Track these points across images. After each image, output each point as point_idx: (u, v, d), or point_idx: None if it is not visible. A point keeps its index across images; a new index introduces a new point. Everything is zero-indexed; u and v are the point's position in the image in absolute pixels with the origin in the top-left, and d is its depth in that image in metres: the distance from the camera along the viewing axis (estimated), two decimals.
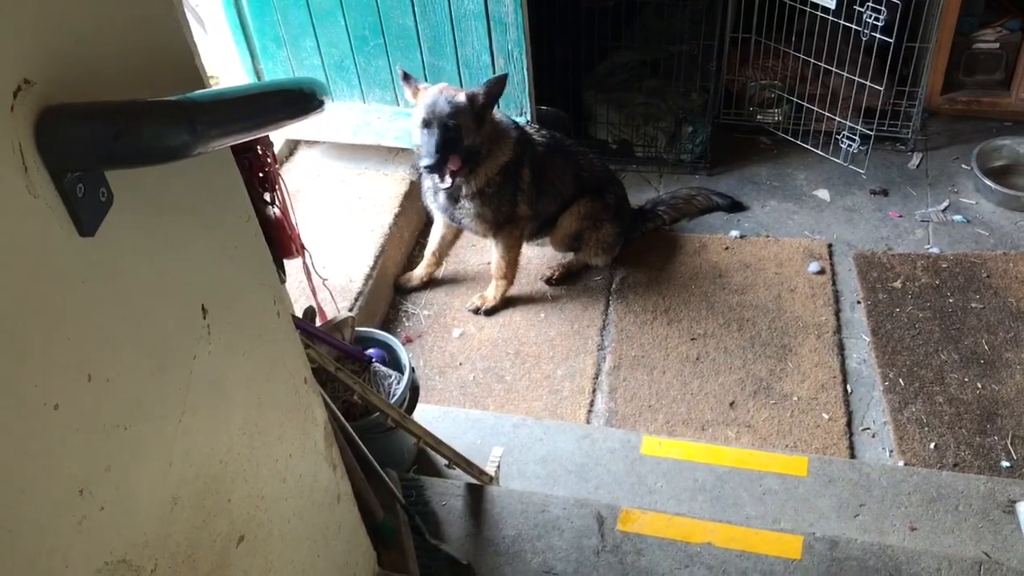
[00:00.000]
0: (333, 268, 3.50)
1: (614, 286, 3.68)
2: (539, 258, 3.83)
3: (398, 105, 3.75)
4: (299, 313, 2.64)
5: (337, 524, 1.82)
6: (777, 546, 2.35)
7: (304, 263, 2.68)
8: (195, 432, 1.22)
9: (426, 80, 3.64)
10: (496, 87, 3.17)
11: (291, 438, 1.58)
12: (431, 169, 3.19)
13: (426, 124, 3.14)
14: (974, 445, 2.99)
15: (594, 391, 3.31)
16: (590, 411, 3.24)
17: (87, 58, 0.96)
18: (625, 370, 3.35)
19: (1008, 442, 2.99)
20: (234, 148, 1.60)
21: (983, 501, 2.66)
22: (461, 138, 3.14)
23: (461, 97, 3.14)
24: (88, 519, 0.98)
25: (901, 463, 2.93)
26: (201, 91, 1.06)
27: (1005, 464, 2.92)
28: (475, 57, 3.49)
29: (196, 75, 1.22)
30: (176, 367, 1.17)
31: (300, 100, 1.32)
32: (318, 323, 2.64)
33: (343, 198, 3.85)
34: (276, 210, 2.55)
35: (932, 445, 3.00)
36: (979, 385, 3.16)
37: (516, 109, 3.59)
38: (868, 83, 3.85)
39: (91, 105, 0.93)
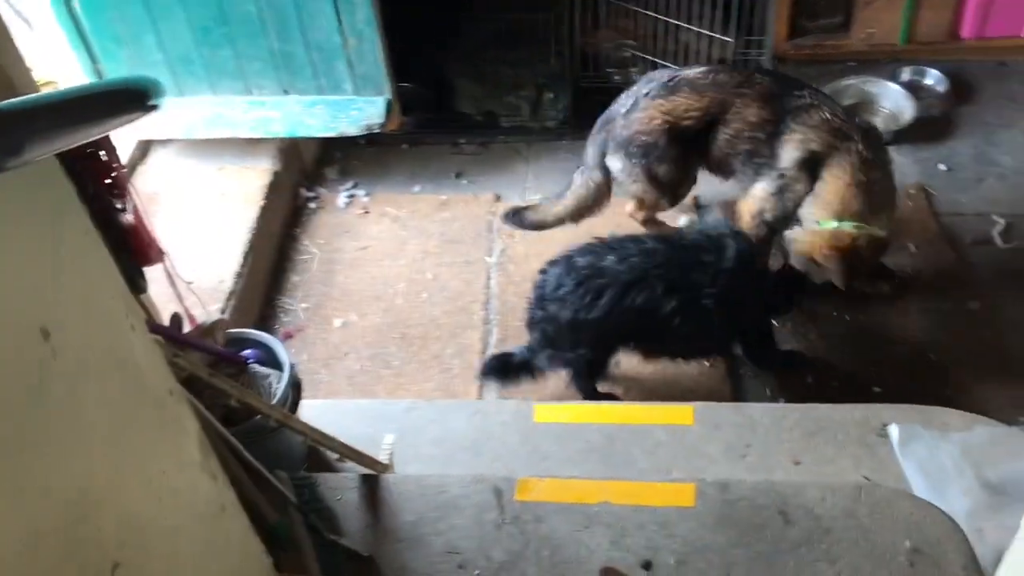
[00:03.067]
0: (201, 270, 3.37)
1: (493, 259, 3.67)
2: (416, 238, 3.78)
3: (250, 95, 3.64)
4: (166, 321, 2.54)
5: (225, 535, 1.76)
6: (671, 496, 2.40)
7: (165, 268, 2.58)
8: (51, 462, 1.15)
9: (277, 69, 3.53)
10: None
11: (162, 454, 1.51)
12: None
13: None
14: (847, 376, 3.13)
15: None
16: (481, 386, 3.24)
17: None
18: (512, 341, 3.35)
19: (877, 369, 3.14)
20: (72, 155, 1.52)
21: (859, 428, 2.78)
22: None
23: None
24: None
25: (782, 401, 3.04)
26: (8, 100, 0.99)
27: (877, 390, 3.07)
28: (326, 39, 3.41)
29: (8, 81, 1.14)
30: (20, 396, 1.10)
31: (127, 101, 1.26)
32: (187, 329, 2.54)
33: (204, 196, 3.71)
34: (129, 216, 2.44)
35: (809, 379, 3.12)
36: (847, 318, 3.31)
37: (374, 88, 3.53)
38: (718, 35, 3.94)
39: None
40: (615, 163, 3.29)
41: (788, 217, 3.06)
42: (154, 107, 1.32)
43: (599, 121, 3.33)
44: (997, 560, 1.96)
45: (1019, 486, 2.54)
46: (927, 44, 4.35)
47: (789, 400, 3.03)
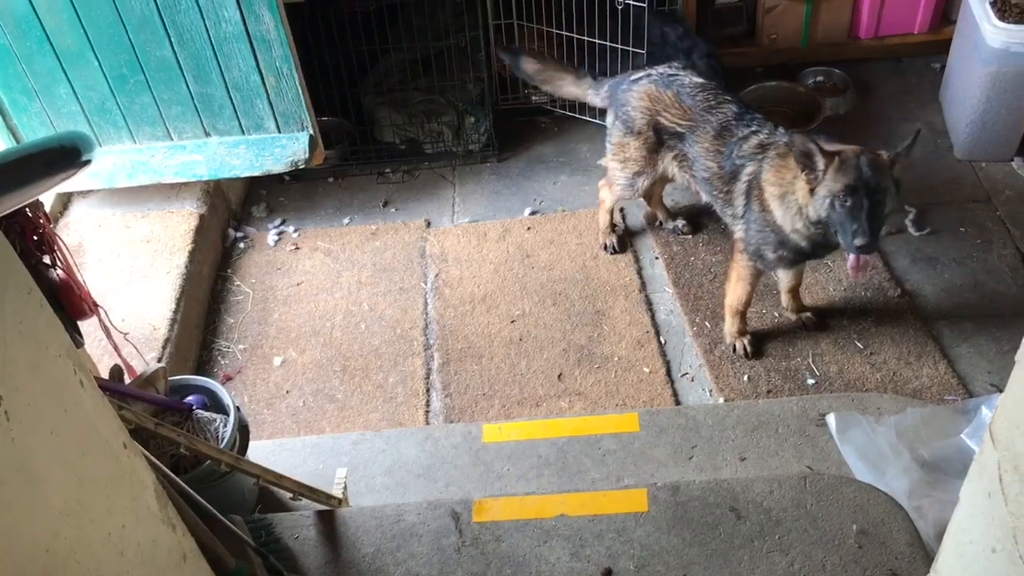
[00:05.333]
0: (134, 320, 3.32)
1: (428, 285, 3.70)
2: (349, 270, 3.78)
3: (171, 140, 3.60)
4: (105, 374, 2.50)
5: None
6: (625, 503, 2.45)
7: (100, 321, 2.54)
8: (14, 524, 1.14)
9: (197, 112, 3.51)
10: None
11: (121, 508, 1.50)
12: (866, 249, 2.69)
13: (851, 192, 2.65)
14: (781, 369, 3.23)
15: (428, 391, 3.33)
16: (427, 411, 3.25)
17: None
18: (454, 364, 3.38)
19: (810, 361, 3.25)
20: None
21: (798, 420, 2.89)
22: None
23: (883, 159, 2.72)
24: None
25: (721, 400, 3.13)
26: None
27: (811, 381, 3.18)
28: (244, 79, 3.40)
29: None
30: None
31: (63, 159, 1.26)
32: (127, 381, 2.51)
33: (130, 244, 3.65)
34: (59, 272, 2.41)
35: (745, 378, 3.21)
36: (775, 314, 3.42)
37: (296, 124, 3.53)
38: (630, 48, 4.04)
39: None
40: (609, 116, 3.41)
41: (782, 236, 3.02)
42: (87, 162, 1.33)
43: (623, 74, 3.46)
44: (938, 534, 2.05)
45: (951, 462, 2.66)
46: (828, 46, 4.53)
47: (728, 399, 3.12)
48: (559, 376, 3.31)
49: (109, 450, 1.48)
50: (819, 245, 2.91)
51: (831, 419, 2.79)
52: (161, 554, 1.63)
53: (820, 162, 2.67)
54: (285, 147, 3.59)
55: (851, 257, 2.76)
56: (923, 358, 3.20)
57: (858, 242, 2.65)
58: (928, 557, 2.24)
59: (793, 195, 2.80)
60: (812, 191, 2.71)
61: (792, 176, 2.80)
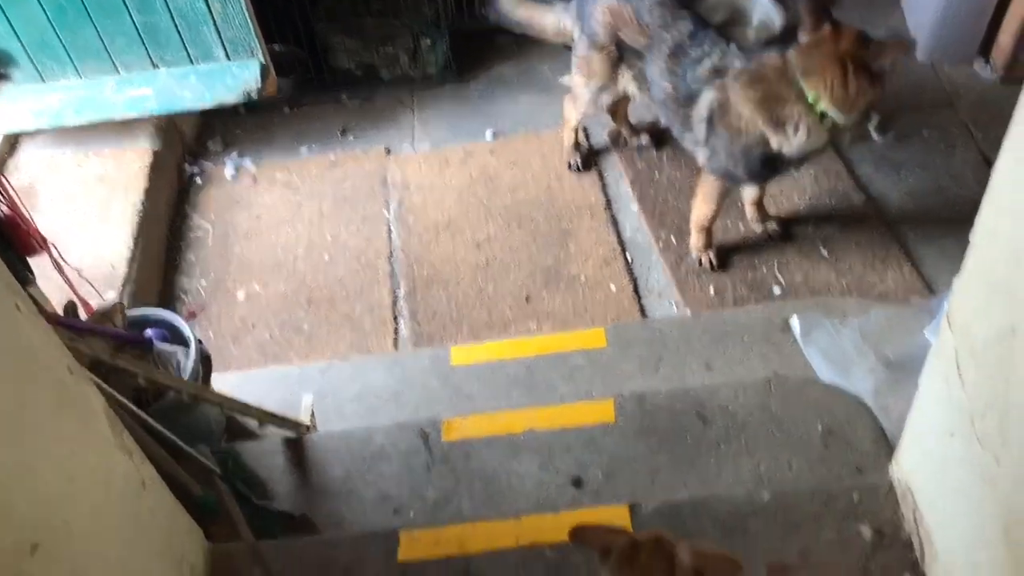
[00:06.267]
0: (92, 260, 3.25)
1: (391, 213, 3.64)
2: (310, 201, 3.72)
3: (118, 73, 3.49)
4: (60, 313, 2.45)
5: (148, 510, 1.73)
6: (592, 415, 2.46)
7: (52, 258, 2.49)
8: None
9: (143, 43, 3.40)
10: None
11: (70, 434, 1.47)
12: None
13: None
14: (747, 280, 3.22)
15: (396, 319, 3.30)
16: (396, 339, 3.23)
17: None
18: (421, 291, 3.35)
19: (775, 271, 3.25)
20: None
21: (763, 327, 2.89)
22: None
23: None
24: None
25: (688, 313, 3.12)
26: None
27: (777, 291, 3.17)
28: (188, 6, 3.28)
29: None
30: None
31: None
32: (83, 317, 2.46)
33: (83, 184, 3.56)
34: (3, 208, 2.35)
35: (712, 290, 3.21)
36: (740, 226, 3.40)
37: (246, 51, 3.43)
38: None
39: None
40: (575, 30, 3.32)
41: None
42: (3, 76, 1.26)
43: None
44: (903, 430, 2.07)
45: (916, 360, 2.66)
46: None
47: (695, 312, 3.11)
48: (527, 298, 3.29)
49: (52, 376, 1.44)
50: (808, 155, 2.88)
51: (795, 322, 2.79)
52: (117, 480, 1.61)
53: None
54: (236, 76, 3.49)
55: None
56: (888, 262, 3.21)
57: None
58: (893, 454, 2.27)
59: (799, 114, 2.71)
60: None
61: (786, 98, 2.73)
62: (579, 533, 1.47)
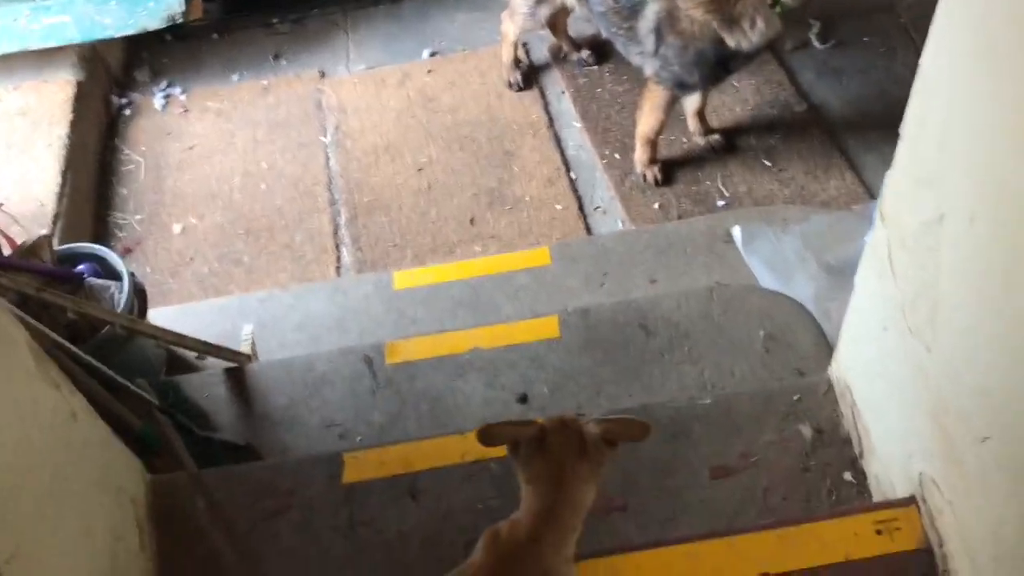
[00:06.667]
0: (18, 197, 3.14)
1: (328, 138, 3.55)
2: (243, 129, 3.62)
3: (33, 0, 3.33)
4: None
5: (81, 441, 1.69)
6: (537, 331, 2.45)
7: None
8: None
9: None
10: None
11: None
12: None
13: None
14: (691, 194, 3.21)
15: (337, 247, 3.25)
16: (338, 267, 3.18)
17: None
18: (362, 218, 3.30)
19: (719, 183, 3.24)
20: None
21: (706, 238, 2.89)
22: None
23: None
24: None
25: (632, 228, 3.11)
26: None
27: (721, 203, 3.17)
28: None
29: None
30: None
31: None
32: (7, 253, 2.38)
33: (5, 118, 3.42)
34: None
35: (656, 205, 3.19)
36: (683, 140, 3.37)
37: None
38: None
39: None
40: None
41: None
42: None
43: None
44: None
45: (856, 265, 2.70)
46: None
47: (639, 227, 3.10)
48: (471, 221, 3.25)
49: None
50: (758, 51, 2.85)
51: (736, 231, 2.79)
52: (44, 412, 1.56)
53: None
54: (159, 1, 3.35)
55: None
56: (830, 170, 3.21)
57: None
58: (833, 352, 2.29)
59: (746, 3, 2.66)
60: None
61: None
62: (487, 432, 1.47)
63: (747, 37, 2.72)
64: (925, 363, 1.47)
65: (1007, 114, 1.15)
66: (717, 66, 2.88)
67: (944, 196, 1.34)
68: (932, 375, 1.45)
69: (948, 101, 1.31)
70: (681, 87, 3.01)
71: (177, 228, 3.31)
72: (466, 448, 2.01)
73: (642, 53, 2.99)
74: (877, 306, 1.68)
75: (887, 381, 1.71)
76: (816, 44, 3.63)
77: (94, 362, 2.12)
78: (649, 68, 3.01)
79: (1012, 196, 1.16)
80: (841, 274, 2.69)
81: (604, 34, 3.17)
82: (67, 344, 2.02)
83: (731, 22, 2.71)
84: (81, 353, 2.08)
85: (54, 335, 1.98)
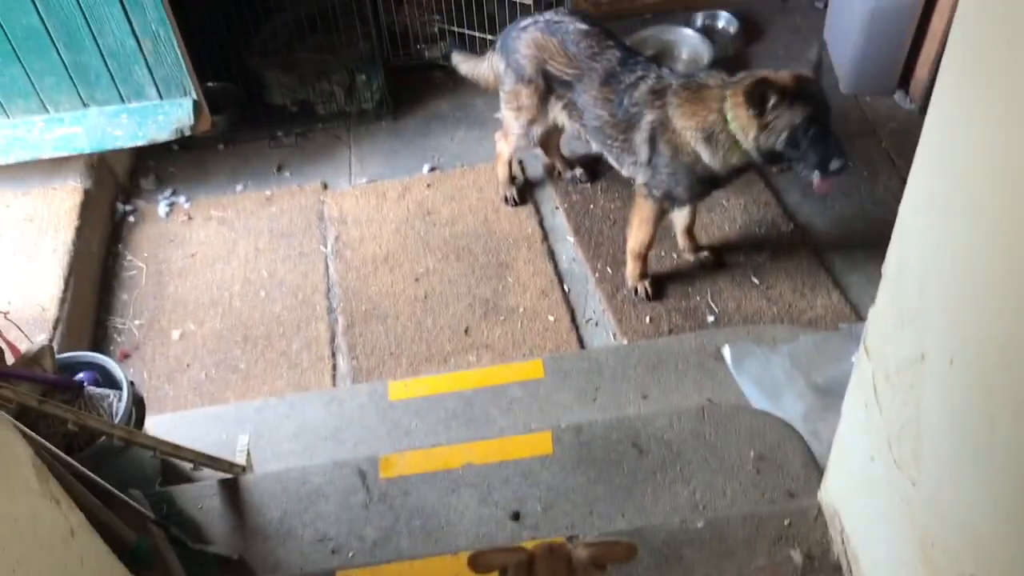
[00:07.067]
0: (21, 301, 3.20)
1: (328, 248, 3.64)
2: (245, 237, 3.70)
3: (47, 112, 3.45)
4: None
5: (77, 559, 1.69)
6: (530, 447, 2.48)
7: None
8: None
9: (72, 82, 3.37)
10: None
11: None
12: (844, 168, 2.78)
13: (813, 121, 2.71)
14: (681, 309, 3.28)
15: (334, 355, 3.29)
16: (334, 375, 3.22)
17: None
18: (359, 326, 3.35)
19: (708, 299, 3.31)
20: None
21: (697, 355, 2.94)
22: None
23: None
24: None
25: (624, 342, 3.16)
26: None
27: (710, 319, 3.24)
28: (119, 45, 3.27)
29: None
30: None
31: None
32: (11, 361, 2.41)
33: (11, 224, 3.50)
34: None
35: (647, 319, 3.26)
36: (674, 255, 3.46)
37: (179, 90, 3.41)
38: (516, 0, 4.01)
39: None
40: (501, 64, 3.36)
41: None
42: None
43: (513, 23, 3.40)
44: None
45: (844, 385, 2.73)
46: None
47: (631, 341, 3.16)
48: (466, 330, 3.30)
49: None
50: (736, 172, 2.97)
51: (726, 350, 2.85)
52: (43, 529, 1.58)
53: (773, 99, 2.68)
54: (169, 114, 3.48)
55: (818, 180, 2.81)
56: (817, 289, 3.30)
57: (835, 165, 2.74)
58: (822, 477, 2.32)
59: (722, 133, 2.81)
60: (766, 126, 2.72)
61: (714, 116, 2.81)
62: (478, 560, 1.49)
63: (715, 157, 2.87)
64: (911, 495, 1.50)
65: (982, 264, 1.22)
66: (700, 181, 2.99)
67: (924, 336, 1.40)
68: (918, 508, 1.49)
69: (925, 250, 1.39)
70: (670, 199, 3.11)
71: (176, 334, 3.36)
72: (458, 569, 2.02)
73: (635, 163, 3.11)
74: (864, 436, 1.73)
75: (875, 510, 1.74)
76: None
77: (90, 474, 2.13)
78: (641, 177, 3.12)
79: (988, 342, 1.22)
80: (829, 394, 2.74)
81: (596, 147, 3.29)
82: (66, 457, 2.04)
83: (708, 141, 2.85)
84: (79, 465, 2.09)
85: (54, 448, 2.00)
